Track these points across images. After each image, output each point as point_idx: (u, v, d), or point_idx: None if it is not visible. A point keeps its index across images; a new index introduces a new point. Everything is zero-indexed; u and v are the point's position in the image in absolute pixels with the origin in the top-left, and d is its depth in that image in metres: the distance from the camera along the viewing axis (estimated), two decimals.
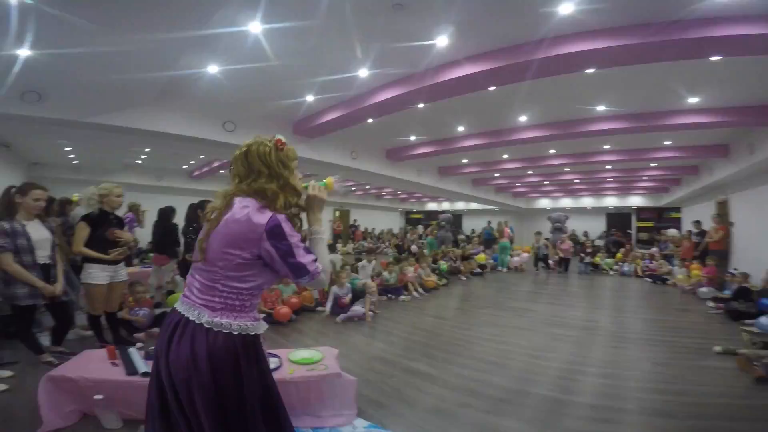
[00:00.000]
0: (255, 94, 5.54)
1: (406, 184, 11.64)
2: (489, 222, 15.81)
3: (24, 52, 3.63)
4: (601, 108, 6.15)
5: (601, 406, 2.75)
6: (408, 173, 10.58)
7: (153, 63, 4.08)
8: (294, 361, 2.66)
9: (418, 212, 25.29)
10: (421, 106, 5.63)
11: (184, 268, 3.79)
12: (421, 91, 4.86)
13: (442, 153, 8.79)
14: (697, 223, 9.85)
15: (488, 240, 12.92)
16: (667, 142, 8.50)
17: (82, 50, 3.60)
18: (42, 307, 3.15)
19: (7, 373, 2.87)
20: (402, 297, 6.56)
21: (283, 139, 1.41)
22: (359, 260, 7.78)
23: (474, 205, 20.68)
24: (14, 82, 4.12)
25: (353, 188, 17.06)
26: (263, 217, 1.28)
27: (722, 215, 9.61)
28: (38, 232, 2.98)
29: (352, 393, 2.58)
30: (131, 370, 2.43)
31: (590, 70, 4.30)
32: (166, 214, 5.57)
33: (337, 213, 20.16)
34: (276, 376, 2.36)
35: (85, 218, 3.31)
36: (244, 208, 1.30)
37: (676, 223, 14.89)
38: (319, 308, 5.47)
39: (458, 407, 2.77)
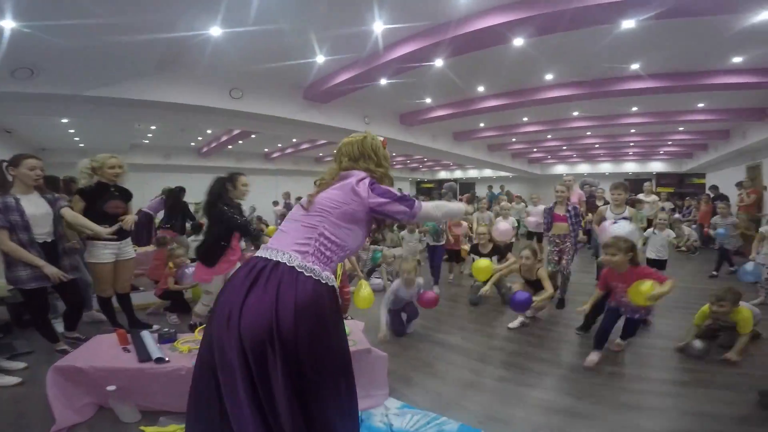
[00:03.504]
0: (262, 57, 5.20)
1: (420, 149, 11.29)
2: (491, 186, 15.01)
3: (8, 24, 3.36)
4: (634, 66, 5.68)
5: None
6: (422, 138, 10.21)
7: (150, 26, 3.78)
8: None
9: (429, 181, 24.85)
10: (440, 63, 5.23)
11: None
12: (441, 44, 4.46)
13: (458, 116, 8.40)
14: (714, 188, 9.42)
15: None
16: (700, 105, 7.98)
17: (73, 21, 3.34)
18: (51, 289, 2.86)
19: (20, 365, 2.66)
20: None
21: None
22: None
23: (488, 172, 20.21)
24: (3, 59, 3.85)
25: None
26: (368, 180, 1.46)
27: (754, 179, 9.18)
28: (35, 207, 2.69)
29: (384, 370, 2.42)
30: (144, 356, 2.24)
31: (629, 24, 3.87)
32: (173, 193, 5.68)
33: None
34: None
35: (80, 191, 3.06)
36: (354, 175, 1.46)
37: (700, 189, 14.36)
38: None
39: (495, 381, 2.65)
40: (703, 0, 3.32)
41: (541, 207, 5.48)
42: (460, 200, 6.53)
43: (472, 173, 21.62)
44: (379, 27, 4.35)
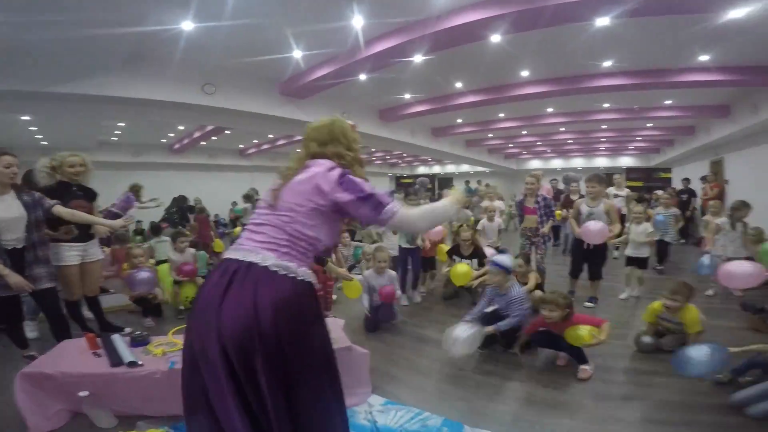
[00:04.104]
0: (236, 52, 5.06)
1: (400, 145, 11.28)
2: (467, 182, 15.17)
3: None
4: (607, 63, 5.83)
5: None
6: (401, 134, 10.20)
7: (119, 20, 3.62)
8: None
9: (408, 177, 24.92)
10: (419, 59, 5.22)
11: None
12: (420, 40, 4.43)
13: (437, 111, 8.42)
14: (686, 180, 9.66)
15: None
16: (668, 102, 8.29)
17: (37, 16, 3.15)
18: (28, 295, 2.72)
19: None
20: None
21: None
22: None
23: (465, 167, 20.43)
24: None
25: None
26: (336, 171, 1.36)
27: (717, 174, 9.62)
28: (6, 210, 2.52)
29: (366, 368, 2.41)
30: (116, 360, 2.16)
31: (603, 21, 3.95)
32: (178, 202, 6.26)
33: None
34: None
35: (40, 191, 2.89)
36: (320, 165, 1.38)
37: (666, 183, 14.96)
38: None
39: (476, 374, 2.68)
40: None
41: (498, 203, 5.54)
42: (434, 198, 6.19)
43: (450, 168, 21.82)
44: (358, 22, 4.29)
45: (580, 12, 3.73)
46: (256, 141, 13.34)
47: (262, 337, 1.16)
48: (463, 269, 3.87)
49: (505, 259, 3.09)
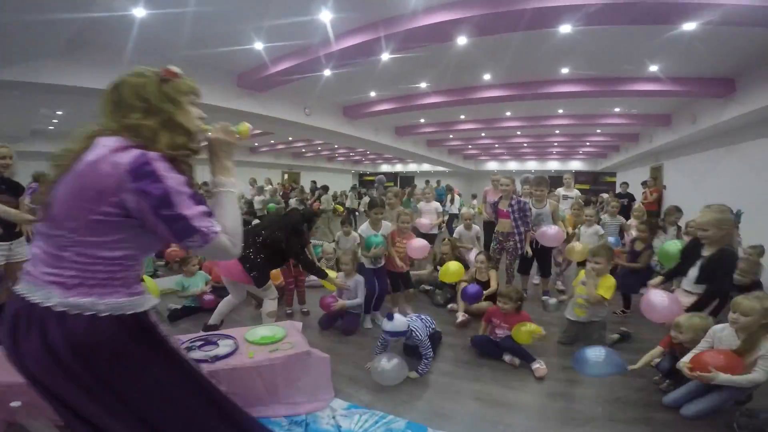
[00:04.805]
0: (193, 41, 4.78)
1: (363, 142, 11.24)
2: (438, 181, 15.45)
3: None
4: (565, 70, 6.09)
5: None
6: (365, 132, 10.16)
7: (62, 4, 3.33)
8: (252, 341, 2.29)
9: (371, 174, 24.93)
10: (385, 57, 5.18)
11: None
12: (386, 39, 4.41)
13: (401, 110, 8.45)
14: (625, 184, 9.93)
15: (441, 201, 12.84)
16: (616, 109, 8.80)
17: None
18: None
19: None
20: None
21: (176, 70, 1.11)
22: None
23: (426, 167, 20.75)
24: None
25: (303, 149, 16.26)
26: (126, 155, 0.95)
27: (656, 179, 10.38)
28: None
29: (327, 372, 2.34)
30: None
31: (567, 28, 4.12)
32: None
33: (286, 176, 19.27)
34: (234, 361, 2.06)
35: None
36: (103, 147, 0.97)
37: (611, 187, 15.99)
38: None
39: (439, 376, 2.69)
40: (633, 9, 3.56)
41: (435, 204, 5.42)
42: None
43: (412, 167, 22.06)
44: (326, 16, 4.18)
45: (545, 18, 3.84)
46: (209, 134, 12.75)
47: (80, 389, 0.97)
48: (453, 267, 3.81)
49: (398, 326, 2.65)
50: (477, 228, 4.90)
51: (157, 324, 1.10)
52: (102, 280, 0.98)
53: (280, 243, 2.96)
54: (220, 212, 1.08)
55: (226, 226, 1.06)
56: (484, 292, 3.69)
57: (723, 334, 2.19)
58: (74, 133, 1.04)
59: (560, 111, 9.30)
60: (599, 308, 2.99)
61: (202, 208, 1.00)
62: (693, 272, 2.62)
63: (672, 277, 2.96)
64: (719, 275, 2.46)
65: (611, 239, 4.56)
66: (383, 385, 2.51)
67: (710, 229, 2.48)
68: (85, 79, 4.88)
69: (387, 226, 3.62)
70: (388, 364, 2.52)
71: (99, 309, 0.95)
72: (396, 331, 2.62)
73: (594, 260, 3.01)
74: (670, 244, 3.40)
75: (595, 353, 2.40)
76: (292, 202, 9.15)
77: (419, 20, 4.08)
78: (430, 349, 2.76)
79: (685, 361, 2.16)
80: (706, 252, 2.56)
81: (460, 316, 3.62)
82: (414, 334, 2.70)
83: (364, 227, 3.62)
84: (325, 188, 10.08)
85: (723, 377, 1.96)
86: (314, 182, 12.76)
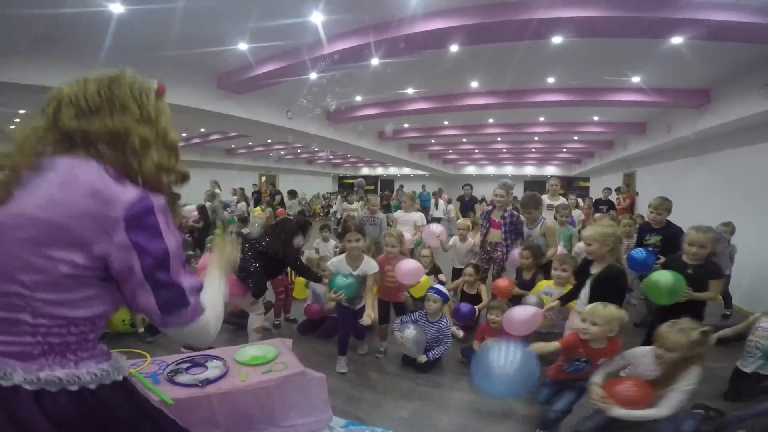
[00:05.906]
0: (172, 40, 4.53)
1: (346, 146, 11.10)
2: (423, 186, 15.45)
3: None
4: (551, 80, 6.18)
5: None
6: (349, 136, 10.03)
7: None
8: (243, 362, 2.13)
9: (351, 177, 24.76)
10: (375, 62, 5.10)
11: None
12: (376, 45, 4.33)
13: (386, 116, 8.40)
14: (608, 190, 10.22)
15: (426, 208, 12.70)
16: (595, 117, 9.05)
17: None
18: None
19: None
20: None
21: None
22: None
23: (406, 170, 20.83)
24: None
25: (283, 152, 15.92)
26: (126, 191, 0.75)
27: (629, 185, 10.74)
28: None
29: (323, 392, 2.22)
30: None
31: (557, 40, 4.15)
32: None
33: (264, 178, 18.85)
34: (225, 385, 1.91)
35: None
36: (85, 171, 0.75)
37: (585, 192, 16.48)
38: None
39: (430, 387, 2.70)
40: (626, 22, 3.61)
41: (415, 216, 5.04)
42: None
43: (393, 170, 22.09)
44: (318, 18, 4.06)
45: (540, 29, 3.84)
46: (185, 135, 12.32)
47: None
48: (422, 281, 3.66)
49: (444, 289, 3.19)
50: (471, 241, 4.34)
51: (135, 383, 0.96)
52: (73, 344, 0.78)
53: (277, 252, 2.93)
54: (210, 291, 0.96)
55: (214, 305, 0.92)
56: (476, 307, 3.67)
57: (643, 361, 2.00)
58: (14, 132, 0.79)
59: (541, 119, 9.48)
60: (561, 319, 2.87)
61: (195, 280, 0.86)
62: (584, 292, 2.43)
63: (567, 300, 2.71)
64: (609, 294, 2.18)
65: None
66: (381, 401, 2.46)
67: (593, 243, 2.34)
68: (52, 79, 4.54)
69: (371, 264, 2.83)
70: (414, 330, 2.84)
71: (83, 381, 0.77)
72: (442, 293, 3.06)
73: (561, 268, 3.03)
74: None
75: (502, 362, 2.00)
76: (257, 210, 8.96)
77: (415, 26, 4.02)
78: (450, 339, 3.05)
79: (597, 382, 1.97)
80: (594, 269, 2.41)
81: (459, 333, 3.61)
82: (443, 321, 3.05)
83: (336, 261, 2.91)
84: (293, 193, 9.76)
85: (620, 412, 1.81)
86: (272, 186, 12.29)
